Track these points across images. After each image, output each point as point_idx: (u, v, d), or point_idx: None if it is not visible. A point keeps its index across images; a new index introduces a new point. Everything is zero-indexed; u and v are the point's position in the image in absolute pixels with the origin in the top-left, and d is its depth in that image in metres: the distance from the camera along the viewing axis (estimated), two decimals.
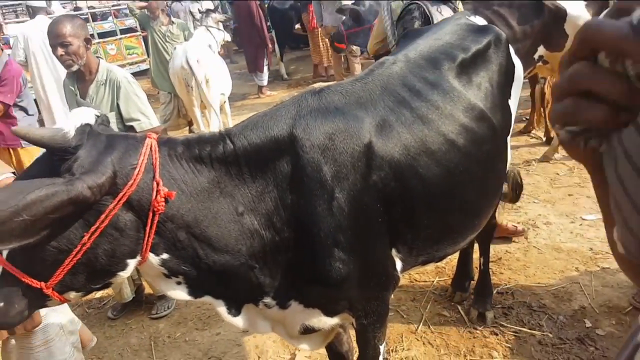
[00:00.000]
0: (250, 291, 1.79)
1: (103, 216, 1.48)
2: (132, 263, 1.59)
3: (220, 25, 7.09)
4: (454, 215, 2.17)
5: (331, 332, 2.20)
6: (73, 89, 3.44)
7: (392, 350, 3.07)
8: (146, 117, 3.34)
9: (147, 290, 3.96)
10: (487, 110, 2.23)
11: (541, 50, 4.80)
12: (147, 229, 1.56)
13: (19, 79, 4.70)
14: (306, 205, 1.71)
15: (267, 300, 1.82)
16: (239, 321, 1.86)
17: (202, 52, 6.01)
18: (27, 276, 1.50)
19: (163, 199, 1.54)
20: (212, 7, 7.93)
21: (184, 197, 1.60)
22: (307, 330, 1.99)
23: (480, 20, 2.66)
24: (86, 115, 1.60)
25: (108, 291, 4.09)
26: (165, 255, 1.63)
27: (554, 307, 3.26)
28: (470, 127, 2.10)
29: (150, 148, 1.60)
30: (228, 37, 7.43)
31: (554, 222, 4.26)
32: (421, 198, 1.95)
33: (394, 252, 2.01)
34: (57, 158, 1.48)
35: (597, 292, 3.33)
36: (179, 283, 1.71)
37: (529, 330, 3.08)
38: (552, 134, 5.68)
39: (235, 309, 1.83)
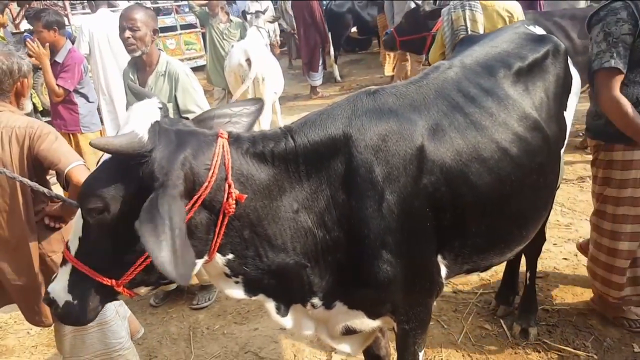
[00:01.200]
0: (301, 290, 1.80)
1: None
2: (199, 263, 1.60)
3: (268, 26, 7.17)
4: (502, 225, 2.14)
5: (371, 335, 2.20)
6: (133, 78, 3.55)
7: None
8: (201, 109, 3.42)
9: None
10: (542, 120, 2.19)
11: None
12: (217, 230, 1.57)
13: (80, 67, 4.89)
14: (357, 206, 1.72)
15: (315, 300, 1.83)
16: (286, 321, 1.87)
17: (260, 51, 6.10)
18: (99, 275, 1.54)
19: (234, 201, 1.56)
20: (261, 9, 8.06)
21: (250, 195, 1.61)
22: (348, 332, 2.00)
23: (539, 30, 2.61)
24: (151, 109, 1.61)
25: None
26: (230, 256, 1.65)
27: (600, 328, 3.15)
28: (524, 137, 2.07)
29: (223, 147, 1.61)
30: (271, 41, 7.49)
31: None
32: (470, 205, 1.94)
33: (439, 258, 2.00)
34: (134, 162, 1.48)
35: None
36: (237, 282, 1.73)
37: (573, 350, 2.98)
38: None
39: (284, 309, 1.85)
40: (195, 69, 11.76)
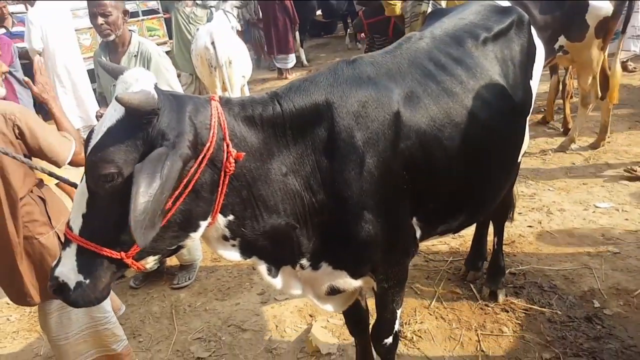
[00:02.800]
0: (290, 251, 1.89)
1: (186, 180, 1.53)
2: (203, 224, 1.65)
3: (235, 12, 7.13)
4: (473, 187, 2.27)
5: (352, 295, 2.32)
6: (105, 60, 3.55)
7: (406, 323, 3.19)
8: (173, 90, 3.45)
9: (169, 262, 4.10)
10: (508, 87, 2.32)
11: (562, 40, 4.85)
12: (219, 189, 1.63)
13: (10, 48, 4.96)
14: (339, 169, 1.81)
15: (303, 261, 1.93)
16: (277, 282, 1.96)
17: (226, 34, 6.10)
18: (105, 249, 1.55)
19: (234, 160, 1.62)
20: None
21: (245, 156, 1.66)
22: (333, 291, 2.11)
23: (505, 3, 2.74)
24: (146, 74, 1.63)
25: None
26: (231, 217, 1.71)
27: (564, 287, 3.35)
28: (492, 102, 2.19)
29: (217, 109, 1.66)
30: (237, 26, 7.45)
31: (567, 209, 4.34)
32: (444, 168, 2.05)
33: (414, 220, 2.12)
34: (145, 121, 1.49)
35: (607, 275, 3.41)
36: (233, 245, 1.79)
37: (539, 308, 3.18)
38: (570, 124, 5.73)
39: (274, 270, 1.94)
40: None
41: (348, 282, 2.07)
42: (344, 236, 1.90)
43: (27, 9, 9.58)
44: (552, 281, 3.43)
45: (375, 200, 1.87)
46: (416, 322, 3.20)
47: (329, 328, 3.22)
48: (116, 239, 1.56)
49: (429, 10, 4.17)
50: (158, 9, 11.13)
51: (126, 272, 1.69)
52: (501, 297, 3.29)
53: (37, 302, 2.51)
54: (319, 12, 12.74)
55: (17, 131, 2.29)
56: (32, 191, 2.44)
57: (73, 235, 1.58)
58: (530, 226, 4.15)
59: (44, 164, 2.38)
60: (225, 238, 1.77)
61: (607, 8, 4.62)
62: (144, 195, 1.37)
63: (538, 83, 2.82)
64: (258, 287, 3.75)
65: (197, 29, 6.43)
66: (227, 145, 1.62)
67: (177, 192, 1.53)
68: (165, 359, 3.21)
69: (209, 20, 7.15)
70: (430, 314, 3.27)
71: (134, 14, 10.91)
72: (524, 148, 2.92)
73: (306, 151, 1.80)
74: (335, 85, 1.85)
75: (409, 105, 1.95)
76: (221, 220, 1.71)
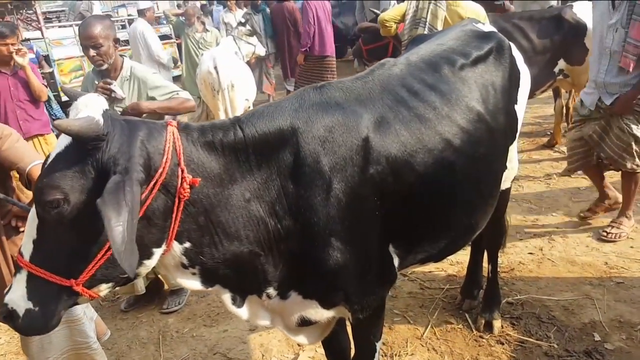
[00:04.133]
0: (256, 280, 1.83)
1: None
2: (157, 252, 1.62)
3: (251, 39, 7.17)
4: (450, 214, 2.20)
5: (327, 326, 2.22)
6: (97, 83, 3.58)
7: (396, 355, 3.08)
8: (177, 91, 3.52)
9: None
10: (487, 113, 2.26)
11: (561, 64, 4.81)
12: (174, 215, 1.59)
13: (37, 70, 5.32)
14: (306, 195, 1.76)
15: (270, 290, 1.86)
16: (242, 312, 1.90)
17: (228, 58, 6.16)
18: (54, 276, 1.52)
19: (189, 186, 1.59)
20: (242, 20, 8.12)
21: (202, 182, 1.64)
22: (304, 322, 2.03)
23: (487, 27, 2.70)
24: (98, 100, 1.62)
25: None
26: (187, 244, 1.67)
27: (563, 319, 3.22)
28: (467, 128, 2.14)
29: (173, 134, 1.63)
30: (261, 51, 7.49)
31: (570, 235, 4.22)
32: (417, 194, 1.99)
33: (391, 247, 2.05)
34: (90, 147, 1.48)
35: (609, 307, 3.28)
36: (193, 274, 1.75)
37: (535, 341, 3.05)
38: None
39: (240, 299, 1.88)
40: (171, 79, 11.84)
41: (319, 313, 1.99)
42: (312, 264, 1.84)
43: (43, 36, 9.87)
44: (551, 312, 3.30)
45: (343, 227, 1.81)
46: (407, 353, 3.09)
47: (317, 358, 3.12)
48: (66, 266, 1.53)
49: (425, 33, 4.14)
50: (170, 34, 11.39)
51: (79, 299, 1.63)
52: (497, 328, 3.16)
53: None
54: None
55: None
56: (11, 210, 2.45)
57: (24, 261, 1.55)
58: (530, 253, 4.03)
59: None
60: (184, 266, 1.72)
61: None
62: (117, 226, 1.36)
63: (524, 107, 2.75)
64: None
65: (202, 54, 6.50)
66: (182, 171, 1.59)
67: None
68: None
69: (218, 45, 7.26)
70: (422, 345, 3.16)
71: None
72: (513, 174, 2.84)
73: (271, 176, 1.75)
74: (301, 111, 1.81)
75: (379, 130, 1.90)
76: (177, 247, 1.66)
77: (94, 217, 1.41)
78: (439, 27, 3.99)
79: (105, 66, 3.43)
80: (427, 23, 3.96)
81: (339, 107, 1.88)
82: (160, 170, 1.55)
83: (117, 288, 1.72)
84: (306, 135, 1.77)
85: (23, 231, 2.43)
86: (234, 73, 6.08)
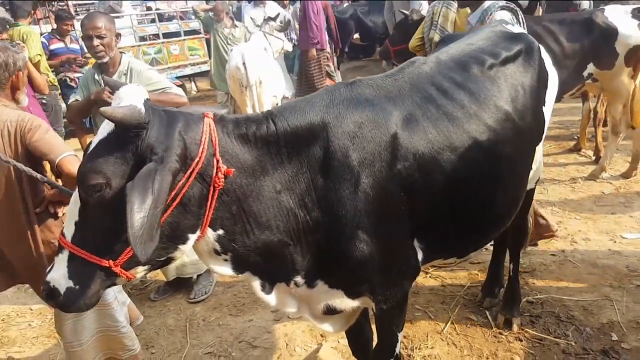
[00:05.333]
0: (284, 268, 1.92)
1: (174, 193, 1.58)
2: (192, 237, 1.70)
3: (279, 34, 7.27)
4: (474, 211, 2.25)
5: (352, 315, 2.31)
6: (97, 79, 3.73)
7: (417, 348, 3.15)
8: (170, 86, 3.63)
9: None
10: (514, 113, 2.31)
11: (591, 67, 4.80)
12: (208, 203, 1.68)
13: None
14: (334, 188, 1.84)
15: (298, 278, 1.95)
16: (271, 298, 1.98)
17: (257, 55, 6.25)
18: (94, 256, 1.60)
19: (223, 176, 1.67)
20: (272, 15, 8.24)
21: (236, 172, 1.72)
22: (330, 311, 2.11)
23: (516, 29, 2.74)
24: (139, 90, 1.71)
25: (152, 274, 4.37)
26: (220, 231, 1.75)
27: (582, 319, 3.25)
28: (495, 128, 2.19)
29: (209, 126, 1.72)
30: (289, 47, 7.58)
31: (593, 238, 4.23)
32: (443, 191, 2.05)
33: (415, 242, 2.12)
34: (133, 134, 1.56)
35: (628, 308, 3.30)
36: (225, 260, 1.83)
37: (553, 339, 3.09)
38: (602, 152, 5.61)
39: (268, 287, 1.96)
40: (198, 74, 12.04)
41: (345, 302, 2.07)
42: (338, 255, 1.92)
43: (74, 28, 10.11)
44: (570, 311, 3.34)
45: (370, 220, 1.89)
46: (427, 347, 3.16)
47: (339, 349, 3.21)
48: (105, 248, 1.61)
49: (436, 37, 4.20)
50: (199, 29, 11.53)
51: (117, 280, 1.72)
52: (516, 326, 3.21)
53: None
54: (356, 35, 12.86)
55: (26, 140, 2.39)
56: (46, 196, 2.55)
57: (65, 242, 1.64)
58: (553, 254, 4.06)
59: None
60: (216, 252, 1.81)
61: (637, 36, 4.56)
62: (138, 211, 1.43)
63: (552, 109, 2.79)
64: None
65: (232, 50, 6.61)
66: (217, 161, 1.67)
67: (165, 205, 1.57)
68: None
69: (247, 41, 7.35)
70: (442, 340, 3.23)
71: (176, 34, 11.33)
72: (537, 175, 2.89)
73: (301, 169, 1.84)
74: (331, 106, 1.89)
75: (408, 127, 1.97)
76: (211, 234, 1.75)
77: None
78: (449, 30, 4.04)
79: (106, 59, 3.52)
80: (438, 25, 4.01)
81: (368, 104, 1.95)
82: (196, 160, 1.63)
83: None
84: (336, 130, 1.85)
85: (58, 216, 2.57)
86: (262, 69, 6.17)
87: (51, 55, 7.27)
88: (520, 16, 3.64)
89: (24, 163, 2.36)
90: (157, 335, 3.62)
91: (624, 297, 3.41)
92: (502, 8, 3.61)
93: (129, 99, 1.63)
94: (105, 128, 1.63)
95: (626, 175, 5.22)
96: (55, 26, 7.80)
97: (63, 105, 7.20)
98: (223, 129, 1.77)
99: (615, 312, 3.27)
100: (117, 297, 2.84)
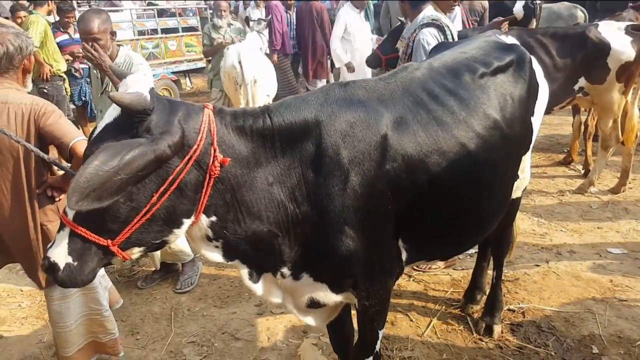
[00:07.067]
0: (272, 258, 1.96)
1: (171, 177, 1.62)
2: (187, 222, 1.74)
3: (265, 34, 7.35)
4: (459, 215, 2.29)
5: (334, 310, 2.35)
6: (96, 72, 3.84)
7: (397, 349, 3.18)
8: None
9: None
10: (503, 121, 2.35)
11: (582, 81, 4.85)
12: (203, 190, 1.72)
13: None
14: (324, 183, 1.88)
15: (284, 269, 1.99)
16: (257, 287, 2.02)
17: (253, 54, 6.27)
18: (93, 235, 1.64)
19: (219, 164, 1.72)
20: (263, 17, 8.24)
21: (231, 162, 1.76)
22: (313, 304, 2.15)
23: (510, 40, 2.78)
24: (145, 79, 1.77)
25: (139, 262, 4.39)
26: (213, 218, 1.79)
27: (563, 330, 3.29)
28: (482, 134, 2.23)
29: (209, 117, 1.77)
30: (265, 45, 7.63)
31: (578, 251, 4.28)
32: (429, 193, 2.09)
33: (400, 242, 2.15)
34: (137, 120, 1.60)
35: (610, 322, 3.34)
36: (216, 247, 1.88)
37: (533, 348, 3.13)
38: (591, 166, 5.67)
39: (256, 276, 2.00)
40: (194, 71, 12.04)
41: (328, 296, 2.10)
42: (324, 249, 1.95)
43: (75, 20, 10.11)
44: (552, 322, 3.38)
45: (357, 217, 1.92)
46: (407, 348, 3.19)
47: (320, 345, 3.23)
48: (104, 227, 1.65)
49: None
50: (197, 26, 11.54)
51: (113, 260, 1.76)
52: (496, 333, 3.25)
53: (44, 286, 2.64)
54: None
55: (40, 123, 2.45)
56: (47, 180, 2.59)
57: (67, 219, 1.67)
58: (537, 265, 4.10)
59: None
60: (208, 238, 1.85)
61: (629, 53, 4.63)
62: (96, 168, 1.46)
63: (541, 120, 2.83)
64: (256, 298, 3.79)
65: (228, 48, 6.61)
66: (214, 150, 1.71)
67: (162, 188, 1.62)
68: (159, 358, 3.27)
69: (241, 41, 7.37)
70: (422, 343, 3.25)
71: (174, 30, 11.32)
72: (524, 184, 2.92)
73: (293, 164, 1.87)
74: (326, 105, 1.94)
75: (398, 129, 2.00)
76: (204, 220, 1.78)
77: (133, 185, 1.57)
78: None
79: None
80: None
81: (361, 105, 1.99)
82: (194, 147, 1.68)
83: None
84: (329, 128, 1.89)
85: (56, 200, 2.60)
86: (257, 69, 6.18)
87: (58, 47, 7.32)
88: (448, 32, 3.71)
89: (35, 145, 2.41)
90: (143, 322, 3.65)
91: (606, 310, 3.46)
92: (427, 25, 3.67)
93: (136, 87, 1.68)
94: (112, 113, 1.67)
95: (614, 191, 5.29)
96: (58, 18, 7.83)
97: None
98: (221, 120, 1.82)
99: (597, 325, 3.32)
100: (100, 282, 2.86)
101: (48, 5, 6.86)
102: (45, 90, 6.77)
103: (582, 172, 5.92)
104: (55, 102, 6.79)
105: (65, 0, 7.87)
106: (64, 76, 7.08)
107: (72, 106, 7.79)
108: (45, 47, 6.66)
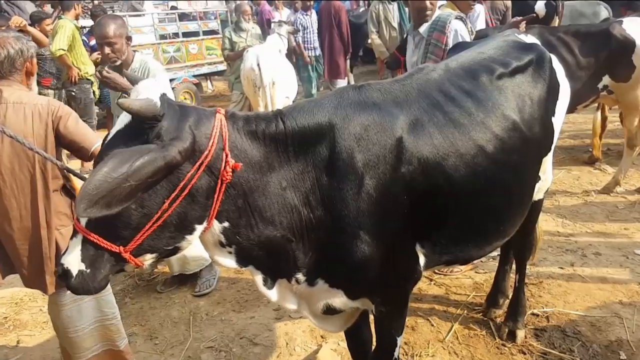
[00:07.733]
0: (286, 264, 1.93)
1: (182, 183, 1.62)
2: (199, 228, 1.73)
3: (289, 36, 7.36)
4: (478, 219, 2.23)
5: (351, 316, 2.31)
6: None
7: (417, 355, 3.13)
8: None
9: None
10: (522, 122, 2.29)
11: (606, 79, 4.74)
12: (215, 195, 1.71)
13: None
14: (338, 188, 1.84)
15: (299, 275, 1.96)
16: (272, 294, 2.00)
17: (272, 56, 6.30)
18: (105, 241, 1.64)
19: (231, 170, 1.70)
20: (284, 19, 8.24)
21: (243, 167, 1.75)
22: (329, 311, 2.11)
23: (529, 39, 2.71)
24: (157, 85, 1.75)
25: (159, 267, 4.41)
26: (226, 224, 1.78)
27: (589, 335, 3.20)
28: (501, 136, 2.18)
29: (221, 122, 1.75)
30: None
31: (604, 253, 4.16)
32: (447, 196, 2.04)
33: (417, 246, 2.10)
34: (147, 126, 1.60)
35: (638, 327, 3.23)
36: (230, 253, 1.86)
37: (558, 353, 3.05)
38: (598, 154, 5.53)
39: (270, 282, 1.98)
40: (215, 74, 12.12)
41: (344, 302, 2.07)
42: (339, 254, 1.92)
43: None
44: (577, 327, 3.28)
45: (372, 221, 1.88)
46: (427, 354, 3.13)
47: (339, 351, 3.20)
48: (117, 234, 1.64)
49: None
50: (217, 29, 11.61)
51: (126, 266, 1.75)
52: (520, 338, 3.17)
53: (52, 291, 2.64)
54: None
55: (58, 125, 2.48)
56: (63, 185, 2.62)
57: (80, 226, 1.67)
58: (561, 267, 4.00)
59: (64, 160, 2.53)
60: (221, 244, 1.83)
61: None
62: (105, 175, 1.46)
63: (562, 120, 2.76)
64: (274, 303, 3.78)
65: (247, 51, 6.64)
66: (226, 155, 1.70)
67: (173, 195, 1.62)
68: None
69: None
70: (444, 349, 3.19)
71: (195, 33, 11.41)
72: (546, 185, 2.85)
73: (307, 168, 1.85)
74: (339, 108, 1.90)
75: (413, 132, 1.96)
76: (217, 226, 1.77)
77: (144, 192, 1.57)
78: None
79: (118, 62, 3.63)
80: None
81: (375, 107, 1.95)
82: (206, 153, 1.66)
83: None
84: (343, 132, 1.86)
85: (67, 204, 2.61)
86: (276, 71, 6.22)
87: (92, 51, 7.57)
88: (468, 26, 3.71)
89: (49, 145, 2.46)
90: (161, 327, 3.67)
91: (634, 315, 3.35)
92: (457, 18, 3.63)
93: (147, 93, 1.67)
94: (123, 120, 1.67)
95: None
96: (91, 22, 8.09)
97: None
98: (234, 125, 1.80)
99: (625, 330, 3.21)
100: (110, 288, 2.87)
101: (75, 9, 6.97)
102: (73, 93, 6.93)
103: (608, 171, 5.75)
104: (83, 105, 7.01)
105: (98, 4, 8.06)
106: (92, 79, 7.19)
107: (98, 110, 7.96)
108: (74, 51, 6.79)
